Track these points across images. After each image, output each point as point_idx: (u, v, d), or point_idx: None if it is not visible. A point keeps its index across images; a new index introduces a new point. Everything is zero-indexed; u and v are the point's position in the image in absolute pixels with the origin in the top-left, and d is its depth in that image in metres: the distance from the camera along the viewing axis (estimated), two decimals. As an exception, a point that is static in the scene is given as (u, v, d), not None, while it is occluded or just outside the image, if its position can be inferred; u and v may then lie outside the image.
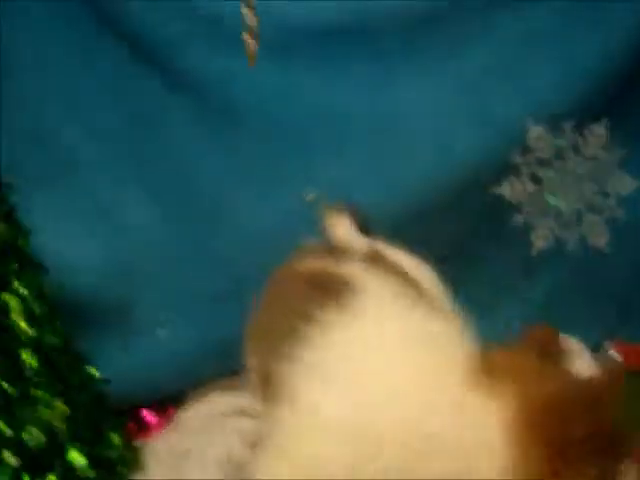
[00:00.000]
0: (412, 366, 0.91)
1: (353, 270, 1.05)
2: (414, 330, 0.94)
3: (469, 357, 0.92)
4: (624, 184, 1.55)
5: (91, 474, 1.30)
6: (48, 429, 1.23)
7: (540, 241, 1.53)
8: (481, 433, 0.86)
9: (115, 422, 1.45)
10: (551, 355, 0.92)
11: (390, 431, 0.88)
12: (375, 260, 1.11)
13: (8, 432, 1.17)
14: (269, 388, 1.02)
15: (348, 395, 0.92)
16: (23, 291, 1.31)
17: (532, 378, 0.88)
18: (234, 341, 1.55)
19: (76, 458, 1.27)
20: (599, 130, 1.53)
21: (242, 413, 1.50)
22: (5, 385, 1.20)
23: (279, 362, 0.98)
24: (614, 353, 1.50)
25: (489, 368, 0.89)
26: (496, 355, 0.91)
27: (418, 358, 0.91)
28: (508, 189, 1.53)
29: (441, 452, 0.87)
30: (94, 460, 1.31)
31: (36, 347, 1.28)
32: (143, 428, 1.59)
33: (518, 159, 1.53)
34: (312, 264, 1.12)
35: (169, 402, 1.60)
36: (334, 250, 1.12)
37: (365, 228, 1.24)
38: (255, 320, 1.13)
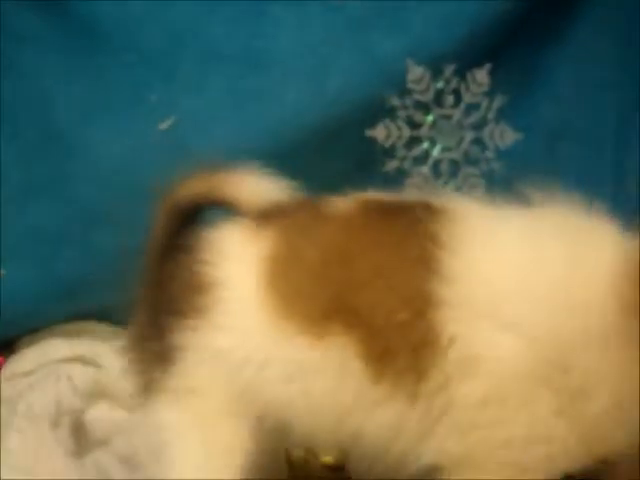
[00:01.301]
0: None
1: None
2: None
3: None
4: (503, 136, 1.50)
5: None
6: None
7: (413, 190, 1.46)
8: None
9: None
10: None
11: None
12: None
13: None
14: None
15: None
16: None
17: None
18: (75, 283, 1.46)
19: None
20: (481, 76, 1.47)
21: (80, 360, 1.42)
22: None
23: None
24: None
25: None
26: None
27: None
28: (383, 132, 1.46)
29: None
30: None
31: None
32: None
33: (395, 101, 1.45)
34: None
35: (1, 349, 1.50)
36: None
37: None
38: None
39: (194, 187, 1.05)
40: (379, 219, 0.99)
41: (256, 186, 1.03)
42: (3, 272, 1.46)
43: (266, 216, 1.01)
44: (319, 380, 0.97)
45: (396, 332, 0.93)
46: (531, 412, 0.91)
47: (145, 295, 1.07)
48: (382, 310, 0.94)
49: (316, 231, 0.99)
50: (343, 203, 1.02)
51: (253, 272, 0.99)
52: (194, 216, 1.06)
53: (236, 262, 1.00)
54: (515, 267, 0.93)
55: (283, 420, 1.00)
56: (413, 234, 0.95)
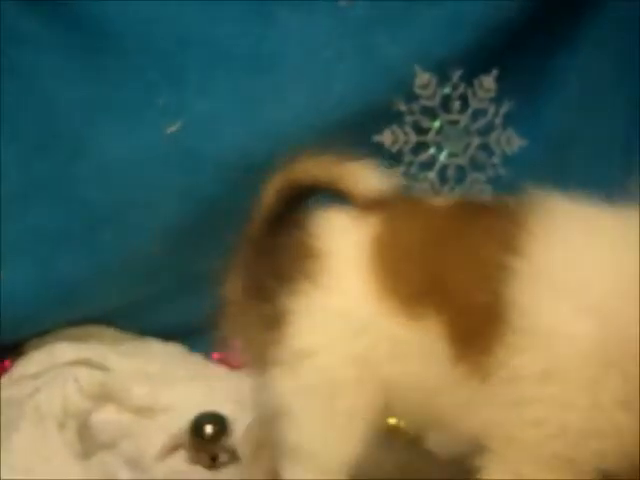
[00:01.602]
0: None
1: None
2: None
3: None
4: (510, 142, 1.50)
5: None
6: None
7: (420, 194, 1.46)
8: None
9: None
10: None
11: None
12: None
13: None
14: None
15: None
16: None
17: None
18: (77, 285, 1.46)
19: None
20: (488, 82, 1.47)
21: (86, 363, 1.42)
22: None
23: None
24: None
25: None
26: None
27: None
28: (390, 138, 1.46)
29: None
30: None
31: None
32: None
33: (402, 106, 1.45)
34: None
35: (6, 352, 1.49)
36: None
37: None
38: None
39: (311, 168, 1.05)
40: (472, 210, 1.02)
41: (371, 180, 1.05)
42: (3, 275, 1.45)
43: (370, 206, 1.03)
44: (412, 362, 0.98)
45: (477, 310, 0.94)
46: (593, 397, 0.91)
47: (248, 261, 1.06)
48: (467, 289, 0.95)
49: (415, 218, 1.01)
50: (440, 199, 1.07)
51: (357, 247, 1.00)
52: (304, 197, 1.07)
53: (344, 239, 1.02)
54: (597, 253, 0.94)
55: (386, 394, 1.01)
56: (502, 219, 0.97)
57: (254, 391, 1.10)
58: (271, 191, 1.07)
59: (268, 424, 1.06)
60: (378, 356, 0.99)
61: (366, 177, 1.05)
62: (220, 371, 1.48)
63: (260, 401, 1.08)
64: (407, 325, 0.97)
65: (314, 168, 1.06)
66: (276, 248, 1.04)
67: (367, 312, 0.99)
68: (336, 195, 1.06)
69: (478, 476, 0.96)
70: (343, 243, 1.02)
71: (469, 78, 1.47)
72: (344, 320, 0.99)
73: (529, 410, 0.93)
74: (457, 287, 0.96)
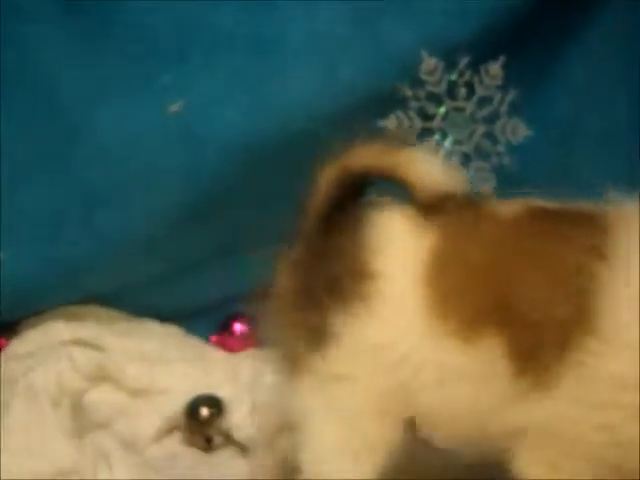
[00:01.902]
0: None
1: None
2: None
3: None
4: (515, 130, 1.49)
5: None
6: None
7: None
8: None
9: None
10: None
11: None
12: None
13: None
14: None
15: None
16: None
17: None
18: (77, 265, 1.45)
19: None
20: (495, 69, 1.46)
21: (82, 343, 1.41)
22: None
23: None
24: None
25: None
26: None
27: None
28: (394, 123, 1.45)
29: None
30: None
31: None
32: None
33: (407, 92, 1.44)
34: None
35: (1, 331, 1.49)
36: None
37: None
38: None
39: (368, 156, 1.01)
40: (545, 217, 0.96)
41: (432, 169, 1.00)
42: (2, 256, 1.44)
43: (433, 207, 0.98)
44: (463, 386, 0.94)
45: (552, 323, 0.91)
46: None
47: (302, 259, 1.03)
48: (542, 302, 0.91)
49: (480, 233, 0.95)
50: (508, 205, 0.99)
51: (414, 266, 0.96)
52: (361, 186, 1.03)
53: (399, 254, 0.97)
54: None
55: (428, 424, 0.98)
56: (581, 230, 0.93)
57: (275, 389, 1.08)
58: (324, 182, 1.02)
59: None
60: (418, 385, 0.96)
61: (427, 166, 1.00)
62: (217, 354, 1.48)
63: (281, 402, 1.06)
64: (461, 348, 0.93)
65: (369, 155, 1.01)
66: (331, 254, 1.00)
67: (413, 340, 0.95)
68: (394, 183, 1.01)
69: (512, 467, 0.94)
70: (401, 263, 0.97)
71: (476, 65, 1.45)
72: (389, 351, 0.96)
73: (600, 414, 0.90)
74: (529, 301, 0.91)
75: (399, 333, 0.96)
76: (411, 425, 0.99)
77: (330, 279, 0.99)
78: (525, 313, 0.91)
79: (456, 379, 0.94)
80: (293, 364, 1.01)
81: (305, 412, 1.00)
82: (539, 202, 0.99)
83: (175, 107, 1.42)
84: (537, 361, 0.91)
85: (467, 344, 0.93)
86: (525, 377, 0.92)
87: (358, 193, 1.03)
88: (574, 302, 0.90)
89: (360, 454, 0.98)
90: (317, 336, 0.98)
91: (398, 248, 0.98)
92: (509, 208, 0.98)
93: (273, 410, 1.20)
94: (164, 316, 1.54)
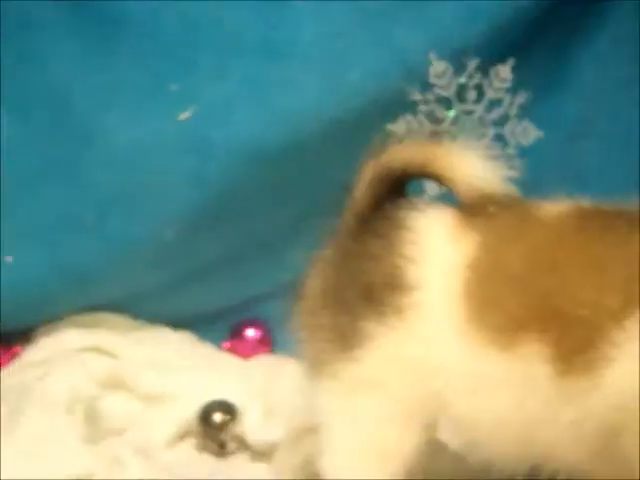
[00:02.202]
0: None
1: None
2: None
3: None
4: (526, 133, 1.48)
5: None
6: None
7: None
8: None
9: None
10: None
11: None
12: None
13: None
14: None
15: None
16: None
17: None
18: (88, 271, 1.46)
19: None
20: (504, 72, 1.46)
21: (96, 350, 1.42)
22: None
23: None
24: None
25: None
26: None
27: None
28: (404, 126, 1.45)
29: None
30: None
31: None
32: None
33: (417, 95, 1.44)
34: None
35: (17, 338, 1.50)
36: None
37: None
38: None
39: (407, 154, 1.00)
40: (593, 220, 0.93)
41: (474, 168, 0.98)
42: (10, 259, 1.45)
43: (474, 209, 0.97)
44: (501, 394, 0.92)
45: (601, 317, 0.89)
46: None
47: (335, 261, 1.01)
48: (590, 301, 0.89)
49: (523, 238, 0.93)
50: (551, 206, 0.97)
51: (452, 277, 0.94)
52: (402, 185, 1.01)
53: (436, 264, 0.95)
54: None
55: (467, 436, 0.97)
56: (632, 232, 0.90)
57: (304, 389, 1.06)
58: (363, 182, 1.01)
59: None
60: (452, 395, 0.95)
61: (468, 162, 0.98)
62: (230, 360, 1.48)
63: (305, 404, 1.06)
64: (498, 356, 0.92)
65: (409, 152, 0.99)
66: (366, 258, 0.98)
67: (449, 352, 0.94)
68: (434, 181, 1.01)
69: None
70: (438, 273, 0.95)
71: (485, 68, 1.45)
72: (423, 363, 0.95)
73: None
74: (577, 300, 0.89)
75: (434, 346, 0.94)
76: (429, 428, 0.99)
77: (365, 285, 0.97)
78: (571, 312, 0.89)
79: (494, 388, 0.92)
80: (320, 367, 0.99)
81: (329, 415, 0.99)
82: (584, 202, 0.96)
83: (186, 114, 1.42)
84: (585, 358, 0.89)
85: (504, 351, 0.91)
86: (572, 376, 0.89)
87: (398, 193, 1.01)
88: (624, 296, 0.88)
89: (381, 460, 0.98)
90: (347, 340, 0.97)
91: (435, 258, 0.96)
92: (553, 209, 0.95)
93: (293, 413, 1.19)
94: (176, 323, 1.54)
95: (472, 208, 0.97)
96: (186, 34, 1.42)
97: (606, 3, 1.45)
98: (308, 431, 1.08)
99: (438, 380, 0.95)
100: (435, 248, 0.96)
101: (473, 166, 0.98)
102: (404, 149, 1.00)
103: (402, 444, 0.98)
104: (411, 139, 1.01)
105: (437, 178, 1.00)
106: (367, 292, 0.97)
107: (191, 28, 1.43)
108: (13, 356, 1.47)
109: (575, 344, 0.89)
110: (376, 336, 0.96)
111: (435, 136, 0.99)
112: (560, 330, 0.90)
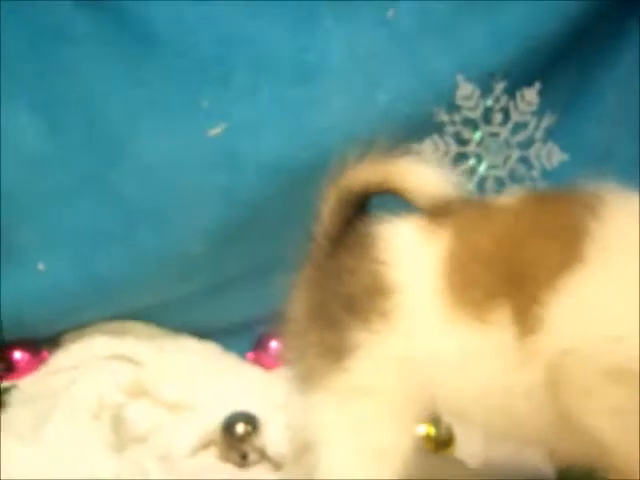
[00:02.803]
0: None
1: None
2: None
3: None
4: (550, 156, 1.50)
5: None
6: None
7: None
8: None
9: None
10: None
11: None
12: None
13: None
14: None
15: None
16: None
17: None
18: (117, 281, 1.48)
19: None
20: (530, 95, 1.47)
21: (123, 358, 1.44)
22: None
23: None
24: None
25: None
26: None
27: None
28: (430, 147, 1.47)
29: None
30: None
31: None
32: (12, 369, 1.49)
33: (444, 117, 1.46)
34: None
35: (45, 344, 1.52)
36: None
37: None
38: None
39: (367, 173, 1.05)
40: (544, 203, 1.02)
41: (429, 178, 1.04)
42: (42, 267, 1.48)
43: (437, 214, 1.03)
44: (486, 362, 0.98)
45: (546, 272, 0.96)
46: None
47: (314, 280, 1.06)
48: (542, 266, 0.96)
49: (487, 223, 1.00)
50: (510, 197, 1.05)
51: (429, 273, 1.00)
52: (364, 203, 1.07)
53: (413, 264, 1.01)
54: None
55: (457, 412, 1.03)
56: (573, 206, 1.00)
57: (293, 404, 1.09)
58: (328, 205, 1.06)
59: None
60: (443, 377, 0.99)
61: (425, 177, 1.04)
62: (254, 371, 1.50)
63: (298, 418, 1.08)
64: (477, 327, 0.97)
65: (366, 172, 1.05)
66: (342, 271, 1.03)
67: (434, 338, 0.98)
68: (396, 196, 1.04)
69: None
70: (412, 270, 1.00)
71: (511, 91, 1.47)
72: (411, 357, 0.99)
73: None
74: (530, 262, 0.96)
75: (420, 338, 0.99)
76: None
77: (346, 298, 1.02)
78: (525, 273, 0.96)
79: (477, 359, 0.97)
80: (312, 382, 1.03)
81: (324, 428, 1.02)
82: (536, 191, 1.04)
83: (216, 130, 1.44)
84: (534, 315, 0.95)
85: (483, 322, 0.97)
86: (526, 336, 0.95)
87: (361, 211, 1.07)
88: (561, 256, 0.96)
89: (380, 461, 1.01)
90: (336, 352, 1.01)
91: (409, 259, 1.01)
92: (510, 198, 1.04)
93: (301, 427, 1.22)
94: (202, 333, 1.56)
95: (434, 211, 1.03)
96: (219, 52, 1.45)
97: (628, 30, 1.47)
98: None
99: (428, 369, 0.99)
100: (407, 250, 1.02)
101: (427, 177, 1.04)
102: (362, 170, 1.05)
103: (398, 443, 1.02)
104: (367, 159, 1.05)
105: (396, 192, 1.05)
106: (349, 304, 1.01)
107: (224, 46, 1.45)
108: (41, 361, 1.49)
109: (528, 302, 0.95)
110: (363, 343, 1.00)
111: (389, 153, 1.04)
112: (519, 291, 0.96)
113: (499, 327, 0.97)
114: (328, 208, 1.07)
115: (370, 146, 1.06)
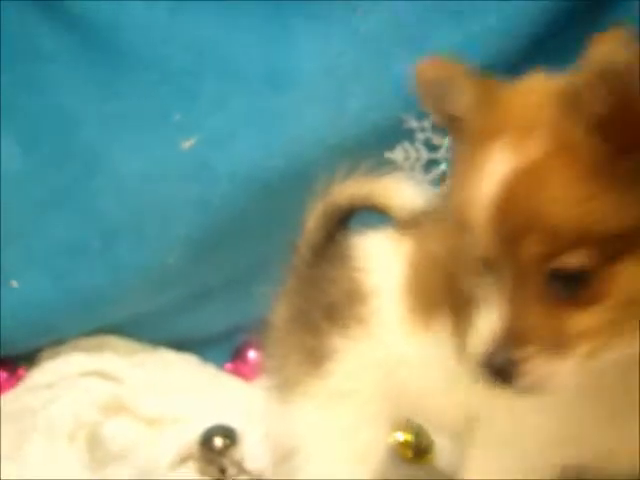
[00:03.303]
0: None
1: None
2: None
3: None
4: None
5: None
6: None
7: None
8: None
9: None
10: None
11: None
12: None
13: None
14: None
15: None
16: None
17: None
18: (93, 296, 1.48)
19: None
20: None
21: (100, 374, 1.44)
22: None
23: None
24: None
25: None
26: None
27: None
28: (401, 154, 1.47)
29: None
30: None
31: None
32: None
33: (414, 124, 1.46)
34: None
35: (21, 361, 1.53)
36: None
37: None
38: None
39: (353, 190, 1.09)
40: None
41: (406, 193, 1.09)
42: (15, 284, 1.48)
43: (409, 224, 1.07)
44: (436, 368, 1.00)
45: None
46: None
47: (296, 290, 1.09)
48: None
49: (439, 231, 1.02)
50: None
51: (396, 280, 1.03)
52: (347, 218, 1.11)
53: (384, 272, 1.04)
54: None
55: (419, 410, 1.06)
56: None
57: (272, 414, 1.11)
58: (312, 218, 1.11)
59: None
60: (408, 381, 1.02)
61: (401, 190, 1.08)
62: (232, 382, 1.50)
63: (277, 427, 1.10)
64: (425, 336, 1.00)
65: (351, 190, 1.09)
66: (323, 281, 1.06)
67: (401, 342, 1.01)
68: (377, 212, 1.09)
69: None
70: (386, 277, 1.04)
71: (481, 97, 1.47)
72: (384, 360, 1.02)
73: None
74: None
75: (392, 342, 1.02)
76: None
77: (326, 305, 1.05)
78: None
79: (430, 362, 1.00)
80: (291, 388, 1.06)
81: (304, 433, 1.04)
82: None
83: (189, 142, 1.45)
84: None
85: (428, 330, 1.00)
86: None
87: (343, 225, 1.11)
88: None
89: (359, 463, 1.04)
90: (315, 358, 1.04)
91: (383, 267, 1.05)
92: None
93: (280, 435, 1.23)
94: (180, 344, 1.56)
95: (407, 224, 1.07)
96: (190, 64, 1.46)
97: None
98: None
99: (399, 372, 1.02)
100: (381, 259, 1.06)
101: (405, 194, 1.09)
102: (347, 187, 1.09)
103: (376, 444, 1.05)
104: (353, 176, 1.09)
105: (378, 209, 1.09)
106: (329, 311, 1.05)
107: (194, 58, 1.46)
108: (18, 379, 1.49)
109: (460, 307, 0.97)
110: (341, 348, 1.04)
111: (373, 172, 1.08)
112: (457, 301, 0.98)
113: (439, 338, 0.99)
114: (313, 221, 1.11)
115: (356, 163, 1.09)
